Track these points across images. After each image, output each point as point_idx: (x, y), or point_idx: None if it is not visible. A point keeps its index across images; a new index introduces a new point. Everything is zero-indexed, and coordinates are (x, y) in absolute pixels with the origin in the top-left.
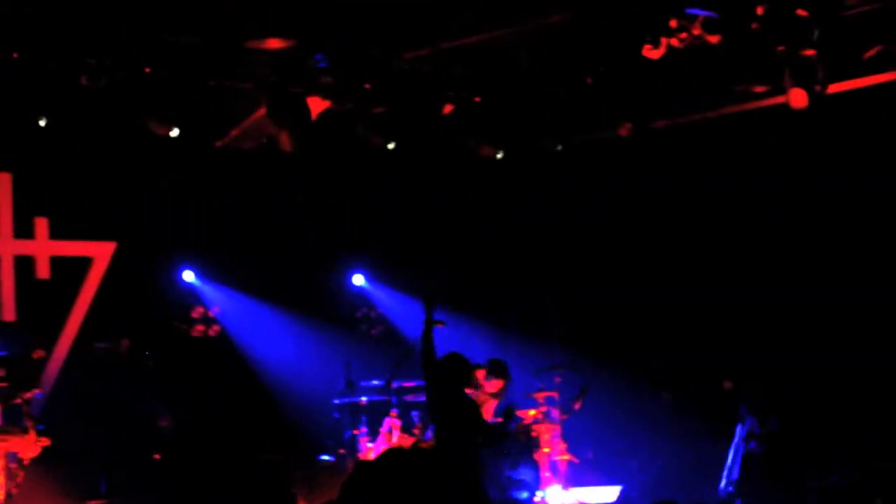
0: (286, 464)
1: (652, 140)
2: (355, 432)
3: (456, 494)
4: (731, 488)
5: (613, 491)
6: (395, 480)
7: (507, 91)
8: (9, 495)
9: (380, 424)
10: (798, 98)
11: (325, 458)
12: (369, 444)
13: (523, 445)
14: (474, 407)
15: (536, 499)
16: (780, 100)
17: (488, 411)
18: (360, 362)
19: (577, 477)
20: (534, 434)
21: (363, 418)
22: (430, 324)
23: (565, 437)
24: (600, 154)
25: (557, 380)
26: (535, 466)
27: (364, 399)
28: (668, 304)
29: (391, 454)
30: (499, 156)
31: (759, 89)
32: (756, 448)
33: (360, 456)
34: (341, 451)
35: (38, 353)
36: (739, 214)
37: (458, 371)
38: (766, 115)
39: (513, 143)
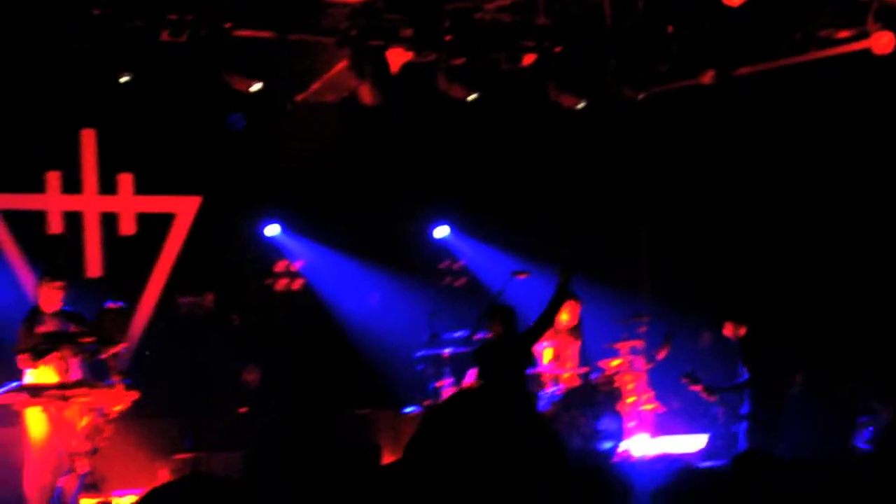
0: (371, 416)
1: (735, 88)
2: (439, 384)
3: (524, 435)
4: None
5: (699, 440)
6: (466, 421)
7: (588, 40)
8: (96, 449)
9: (463, 376)
10: (882, 43)
11: (410, 410)
12: None
13: (606, 396)
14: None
15: (620, 449)
16: (864, 45)
17: (573, 356)
18: (444, 314)
19: (662, 426)
20: (617, 384)
21: (447, 370)
22: (563, 289)
23: (650, 386)
24: (682, 102)
25: (642, 329)
26: (618, 417)
27: (448, 351)
28: (754, 251)
29: (461, 396)
30: (580, 106)
31: (843, 34)
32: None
33: None
34: (426, 402)
35: (124, 309)
36: (822, 162)
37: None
38: (850, 60)
39: (594, 93)
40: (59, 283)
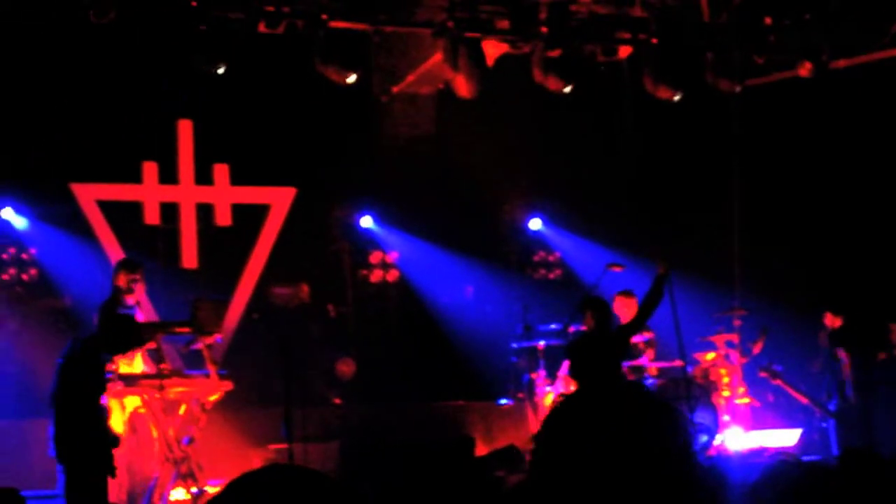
0: (465, 408)
1: (832, 80)
2: (533, 376)
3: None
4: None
5: (794, 434)
6: (592, 414)
7: (685, 32)
8: (191, 438)
9: (558, 368)
10: None
11: (504, 401)
12: (547, 388)
13: (702, 389)
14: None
15: (716, 442)
16: None
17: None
18: (538, 306)
19: (757, 420)
20: (712, 377)
21: (541, 362)
22: (661, 284)
23: (745, 380)
24: (779, 95)
25: (737, 322)
26: (713, 410)
27: (542, 343)
28: (851, 243)
29: (587, 391)
30: (676, 98)
31: None
32: None
33: (537, 400)
34: (520, 395)
35: (219, 299)
36: None
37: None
38: None
39: (691, 86)
40: (130, 276)
